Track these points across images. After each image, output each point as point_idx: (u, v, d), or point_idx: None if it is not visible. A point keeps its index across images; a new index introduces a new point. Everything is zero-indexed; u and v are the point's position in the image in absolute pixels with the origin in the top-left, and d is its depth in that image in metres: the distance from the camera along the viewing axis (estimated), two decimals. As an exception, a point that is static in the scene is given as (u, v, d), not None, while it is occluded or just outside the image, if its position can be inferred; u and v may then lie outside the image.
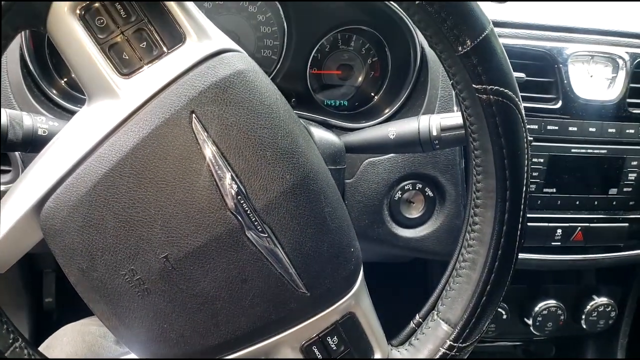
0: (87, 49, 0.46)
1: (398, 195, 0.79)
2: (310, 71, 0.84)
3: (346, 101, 0.88)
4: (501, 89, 0.48)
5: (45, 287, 1.26)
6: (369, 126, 0.76)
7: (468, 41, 0.46)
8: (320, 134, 0.68)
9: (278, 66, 0.83)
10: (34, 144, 0.58)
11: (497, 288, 0.53)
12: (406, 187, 0.79)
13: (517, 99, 0.49)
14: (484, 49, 0.47)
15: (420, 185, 0.79)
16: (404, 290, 1.12)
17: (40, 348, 0.78)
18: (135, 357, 0.53)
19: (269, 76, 0.56)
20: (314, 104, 0.85)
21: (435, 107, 0.79)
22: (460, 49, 0.46)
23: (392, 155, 0.78)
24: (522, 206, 0.52)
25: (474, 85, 0.48)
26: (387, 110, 0.82)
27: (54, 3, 0.44)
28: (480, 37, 0.46)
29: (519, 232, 0.52)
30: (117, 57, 0.46)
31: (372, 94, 0.87)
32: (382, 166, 0.78)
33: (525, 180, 0.51)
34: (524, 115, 0.50)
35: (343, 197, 0.76)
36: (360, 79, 0.87)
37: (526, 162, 0.51)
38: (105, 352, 0.76)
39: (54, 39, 0.46)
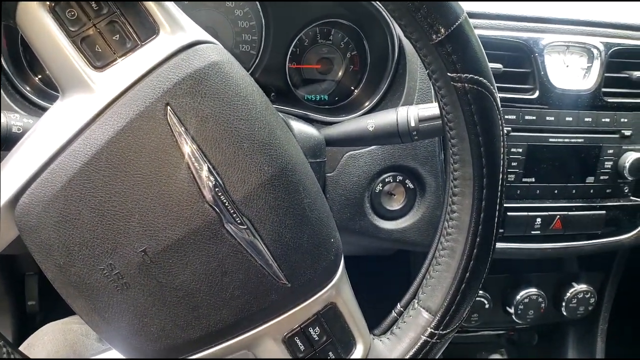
0: (59, 42, 0.45)
1: (379, 187, 0.80)
2: (290, 65, 0.84)
3: (326, 95, 0.88)
4: (476, 77, 0.48)
5: (27, 290, 1.24)
6: (348, 119, 0.77)
7: (442, 29, 0.46)
8: (300, 127, 0.68)
9: (257, 61, 0.83)
10: (8, 141, 0.57)
11: (476, 275, 0.54)
12: (387, 180, 0.80)
13: (492, 87, 0.49)
14: (458, 37, 0.47)
15: (400, 177, 0.80)
16: (387, 282, 1.13)
17: (22, 347, 0.77)
18: (116, 353, 0.52)
19: (248, 71, 0.56)
20: (293, 99, 0.85)
21: (414, 99, 0.79)
22: (434, 37, 0.47)
23: (372, 147, 0.78)
24: (499, 193, 0.52)
25: (448, 74, 0.48)
26: (367, 104, 0.83)
27: None
28: (454, 26, 0.47)
29: (496, 219, 0.53)
30: (90, 50, 0.46)
31: (352, 88, 0.87)
32: (362, 159, 0.78)
33: (502, 167, 0.52)
34: (499, 103, 0.50)
35: (324, 190, 0.77)
36: (340, 73, 0.88)
37: (502, 149, 0.51)
38: (87, 351, 0.76)
39: (24, 32, 0.46)
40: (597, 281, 1.08)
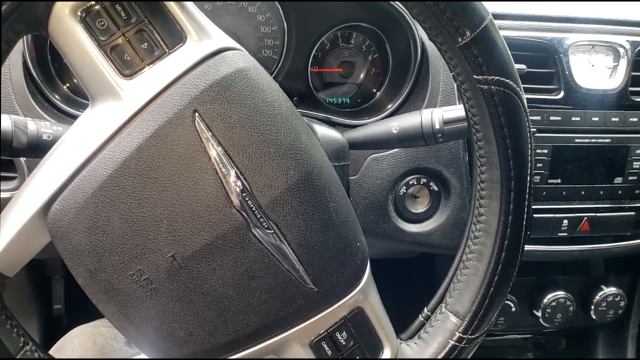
0: (89, 52, 0.46)
1: (403, 190, 0.79)
2: (311, 69, 0.85)
3: (348, 98, 0.88)
4: (502, 79, 0.48)
5: (54, 293, 1.27)
6: (371, 122, 0.76)
7: (468, 32, 0.46)
8: (323, 130, 0.68)
9: (279, 66, 0.83)
10: (38, 149, 0.58)
11: (504, 278, 0.53)
12: (411, 182, 0.79)
13: (518, 89, 0.49)
14: (484, 39, 0.47)
15: (424, 180, 0.79)
16: (412, 285, 1.12)
17: (51, 351, 0.78)
18: (146, 357, 0.53)
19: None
20: (316, 102, 0.85)
21: (437, 101, 0.79)
22: (460, 40, 0.47)
23: (395, 150, 0.78)
24: (527, 195, 0.52)
25: (475, 76, 0.48)
26: (389, 106, 0.82)
27: (55, 7, 0.44)
28: (480, 28, 0.46)
29: (524, 222, 0.52)
30: (119, 59, 0.46)
31: (374, 91, 0.87)
32: (386, 162, 0.78)
33: (529, 170, 0.51)
34: (526, 105, 0.50)
35: (348, 193, 0.77)
36: (361, 76, 0.88)
37: (530, 151, 0.51)
38: (116, 354, 0.77)
39: (55, 42, 0.46)
40: (627, 284, 1.05)
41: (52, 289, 1.27)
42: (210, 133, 0.46)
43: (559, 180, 0.86)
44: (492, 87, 0.48)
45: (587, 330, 1.14)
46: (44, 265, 1.24)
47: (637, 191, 0.88)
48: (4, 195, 0.71)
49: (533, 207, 0.84)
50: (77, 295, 0.50)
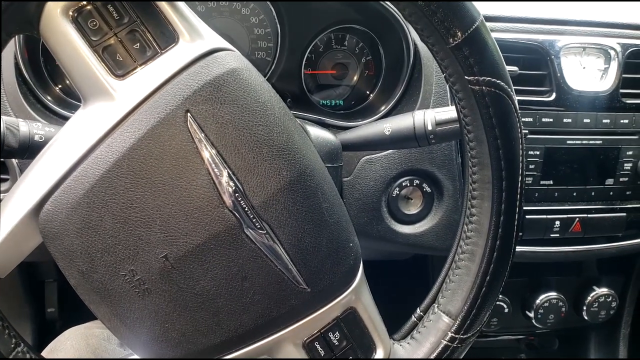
0: (81, 52, 0.46)
1: (396, 192, 0.79)
2: (305, 71, 0.85)
3: (342, 100, 0.88)
4: (493, 79, 0.48)
5: (47, 297, 1.26)
6: (364, 124, 0.77)
7: (459, 33, 0.46)
8: (316, 132, 0.68)
9: (272, 67, 0.83)
10: (30, 150, 0.58)
11: (496, 278, 0.54)
12: (404, 184, 0.79)
13: (509, 90, 0.49)
14: (475, 40, 0.47)
15: (417, 181, 0.80)
16: (406, 286, 1.12)
17: (44, 352, 0.78)
18: (138, 358, 0.53)
19: (263, 77, 0.57)
20: (309, 104, 0.85)
21: (430, 102, 0.79)
22: (451, 41, 0.47)
23: (388, 152, 0.78)
24: (518, 195, 0.52)
25: (466, 77, 0.48)
26: (382, 108, 0.83)
27: (46, 7, 0.44)
28: (471, 29, 0.47)
29: (516, 222, 0.53)
30: (111, 59, 0.46)
31: (368, 93, 0.88)
32: (379, 163, 0.78)
33: (520, 170, 0.51)
34: (517, 105, 0.50)
35: (341, 195, 0.77)
36: (355, 78, 0.88)
37: (521, 151, 0.51)
38: (109, 355, 0.76)
39: (47, 43, 0.46)
40: (619, 285, 1.06)
41: (45, 293, 1.26)
42: (202, 134, 0.46)
43: (551, 182, 0.86)
44: (484, 87, 0.48)
45: (580, 330, 1.14)
46: (37, 268, 1.23)
47: (628, 192, 0.89)
48: (-4, 196, 0.71)
49: (525, 208, 0.85)
50: (70, 298, 0.50)
